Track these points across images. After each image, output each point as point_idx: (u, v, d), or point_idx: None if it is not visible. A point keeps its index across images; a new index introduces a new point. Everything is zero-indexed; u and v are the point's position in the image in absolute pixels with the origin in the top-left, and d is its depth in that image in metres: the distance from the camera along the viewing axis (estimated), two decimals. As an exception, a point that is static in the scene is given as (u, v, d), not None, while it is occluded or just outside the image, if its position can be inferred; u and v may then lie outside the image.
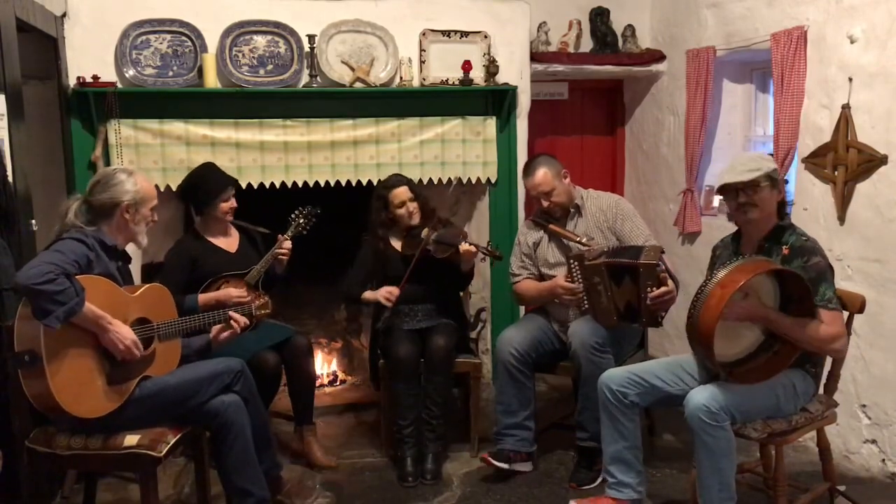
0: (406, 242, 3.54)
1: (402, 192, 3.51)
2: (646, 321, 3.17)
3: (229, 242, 3.50)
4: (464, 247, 3.37)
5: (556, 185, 3.39)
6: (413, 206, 3.53)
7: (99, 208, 2.59)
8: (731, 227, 2.90)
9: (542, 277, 3.49)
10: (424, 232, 3.46)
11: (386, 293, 3.42)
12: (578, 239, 3.35)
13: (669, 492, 3.21)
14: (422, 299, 3.54)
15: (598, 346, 3.16)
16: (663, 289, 3.04)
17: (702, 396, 2.52)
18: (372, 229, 3.59)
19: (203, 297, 3.27)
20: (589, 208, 3.46)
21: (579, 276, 3.19)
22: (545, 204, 3.42)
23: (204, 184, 3.43)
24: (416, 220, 3.53)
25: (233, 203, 3.45)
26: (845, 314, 2.73)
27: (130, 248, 2.85)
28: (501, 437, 3.38)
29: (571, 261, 3.22)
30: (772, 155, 3.60)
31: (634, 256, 3.11)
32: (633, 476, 2.88)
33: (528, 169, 3.46)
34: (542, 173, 3.38)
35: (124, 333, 2.47)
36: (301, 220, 3.47)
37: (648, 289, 3.04)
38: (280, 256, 3.40)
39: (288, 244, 3.42)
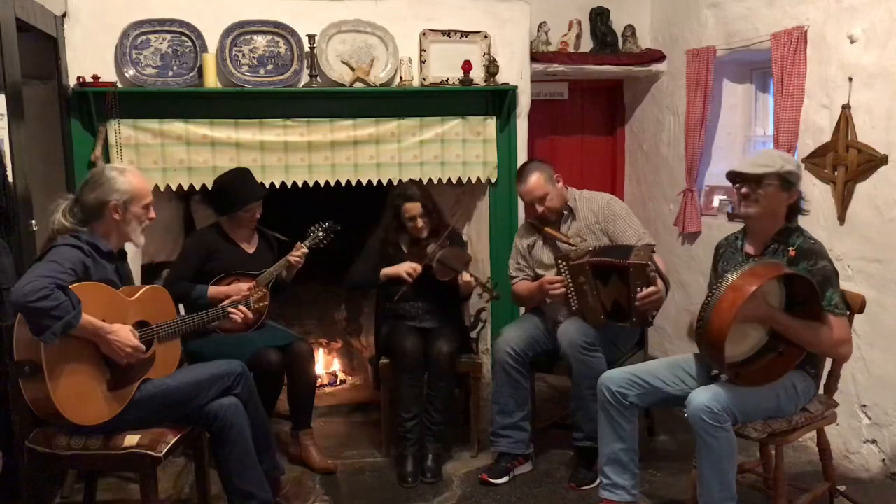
0: (411, 251, 3.56)
1: (413, 208, 3.51)
2: (635, 321, 3.16)
3: (249, 243, 3.52)
4: (464, 278, 3.38)
5: (549, 190, 3.37)
6: (422, 222, 3.52)
7: (89, 208, 2.56)
8: (731, 228, 2.89)
9: (537, 279, 3.48)
10: (430, 248, 3.48)
11: (409, 268, 3.43)
12: (569, 241, 3.35)
13: (669, 492, 3.21)
14: (424, 297, 3.55)
15: (587, 346, 3.15)
16: (651, 289, 3.04)
17: (704, 397, 2.52)
18: (383, 228, 3.62)
19: (213, 290, 3.30)
20: (581, 210, 3.44)
21: (567, 276, 3.19)
22: (539, 209, 3.40)
23: (233, 192, 3.43)
24: (423, 234, 3.55)
25: (256, 215, 3.47)
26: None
27: (130, 250, 2.84)
28: (497, 437, 3.38)
29: (559, 261, 3.21)
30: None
31: (623, 256, 3.10)
32: (629, 478, 2.87)
33: (521, 175, 3.44)
34: (536, 178, 3.37)
35: (125, 340, 2.44)
36: (321, 234, 3.49)
37: (638, 289, 3.04)
38: (294, 262, 3.39)
39: (303, 251, 3.42)
